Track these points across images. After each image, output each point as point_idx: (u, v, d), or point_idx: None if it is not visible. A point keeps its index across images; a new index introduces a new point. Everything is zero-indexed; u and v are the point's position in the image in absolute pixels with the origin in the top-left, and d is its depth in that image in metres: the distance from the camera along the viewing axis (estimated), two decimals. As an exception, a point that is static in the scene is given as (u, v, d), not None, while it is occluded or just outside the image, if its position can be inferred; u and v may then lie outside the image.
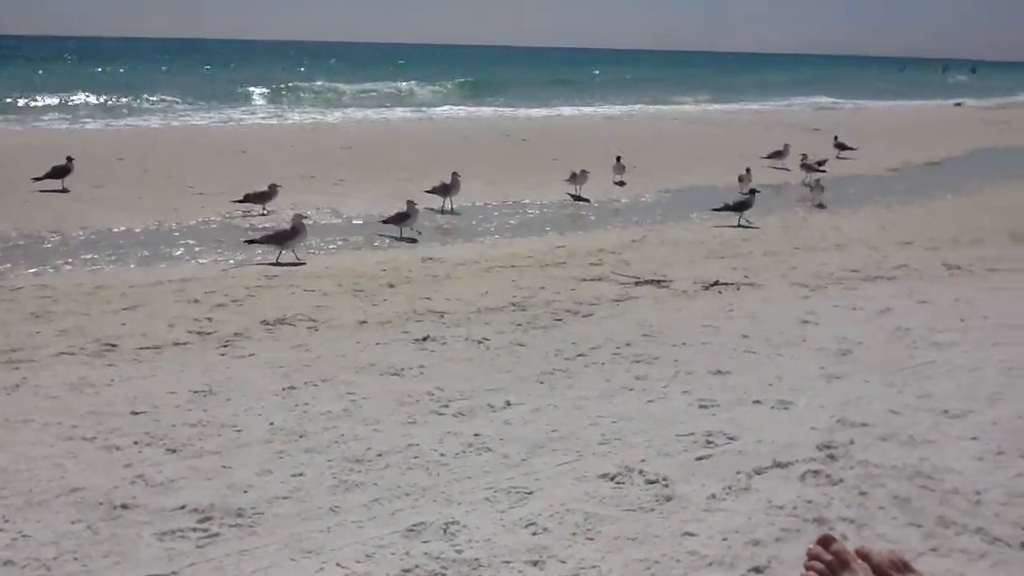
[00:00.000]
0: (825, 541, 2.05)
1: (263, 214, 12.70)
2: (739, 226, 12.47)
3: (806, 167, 17.59)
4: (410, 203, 11.61)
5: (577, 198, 14.82)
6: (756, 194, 13.13)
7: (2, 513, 3.81)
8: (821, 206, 14.34)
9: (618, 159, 16.24)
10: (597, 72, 65.72)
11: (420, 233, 11.74)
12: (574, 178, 14.98)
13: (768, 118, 32.32)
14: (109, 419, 4.95)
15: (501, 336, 6.73)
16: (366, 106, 34.42)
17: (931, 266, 9.46)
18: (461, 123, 27.78)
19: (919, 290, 8.21)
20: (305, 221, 10.33)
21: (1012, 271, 9.24)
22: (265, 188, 12.73)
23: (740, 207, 12.74)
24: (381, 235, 11.59)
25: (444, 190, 13.45)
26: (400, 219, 11.53)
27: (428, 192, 13.43)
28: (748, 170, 15.54)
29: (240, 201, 12.69)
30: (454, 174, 13.46)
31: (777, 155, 18.96)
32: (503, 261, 9.94)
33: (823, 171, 17.56)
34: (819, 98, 45.31)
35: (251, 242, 10.38)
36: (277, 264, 9.88)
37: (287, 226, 10.35)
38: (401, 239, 11.47)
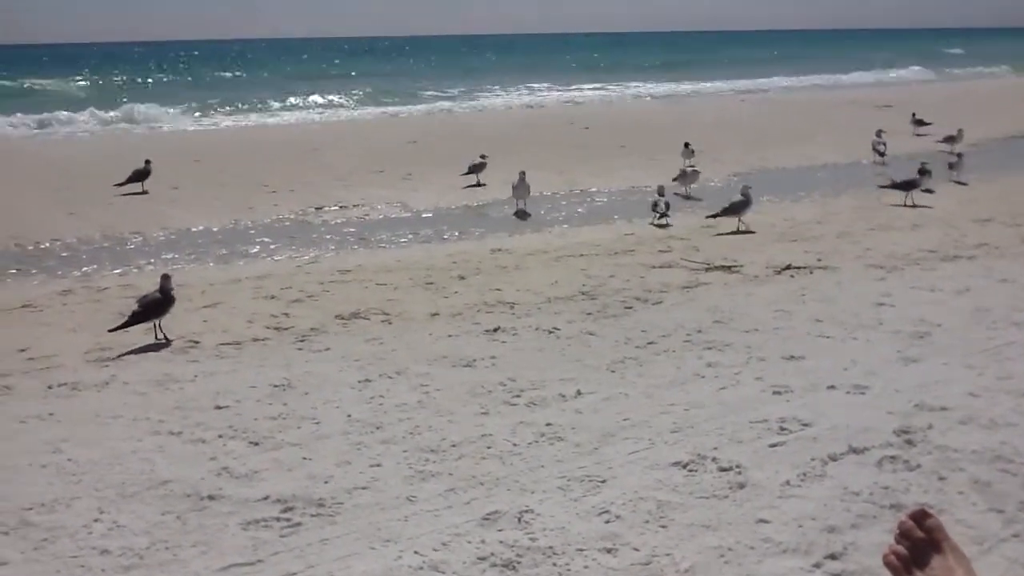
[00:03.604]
0: (920, 515, 1.72)
1: (477, 185, 14.33)
2: (906, 205, 12.02)
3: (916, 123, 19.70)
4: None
5: (687, 197, 13.81)
6: (926, 174, 12.47)
7: (98, 505, 4.01)
8: (960, 183, 13.58)
9: (687, 145, 16.03)
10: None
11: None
12: (683, 177, 14.07)
13: (832, 95, 31.58)
14: (194, 414, 5.14)
15: (571, 325, 6.76)
16: (423, 100, 34.64)
17: (1011, 243, 9.19)
18: (520, 113, 27.79)
19: (999, 268, 7.98)
20: (750, 191, 11.13)
21: (1099, 247, 8.91)
22: (479, 159, 14.62)
23: (909, 185, 12.20)
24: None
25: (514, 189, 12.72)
26: (735, 210, 11.04)
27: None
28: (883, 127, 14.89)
29: (466, 174, 14.60)
30: (521, 174, 12.69)
31: (949, 139, 17.70)
32: (572, 250, 9.95)
33: (929, 123, 19.27)
34: (885, 72, 43.93)
35: (712, 216, 11.16)
36: (736, 233, 10.72)
37: (739, 198, 11.09)
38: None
